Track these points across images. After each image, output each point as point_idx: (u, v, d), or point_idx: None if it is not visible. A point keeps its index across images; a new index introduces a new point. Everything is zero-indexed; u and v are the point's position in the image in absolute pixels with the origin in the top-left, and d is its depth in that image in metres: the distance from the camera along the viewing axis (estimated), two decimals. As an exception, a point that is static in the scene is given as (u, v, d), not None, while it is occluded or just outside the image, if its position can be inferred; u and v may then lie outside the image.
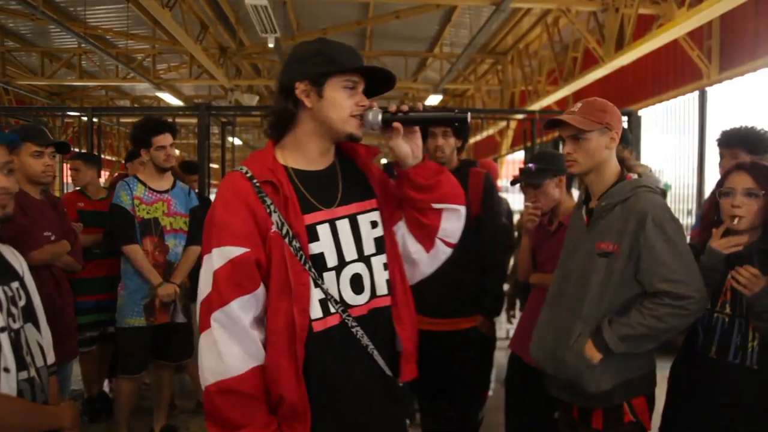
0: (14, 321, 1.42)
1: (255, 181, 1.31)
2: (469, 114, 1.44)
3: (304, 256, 1.29)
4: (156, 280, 2.96)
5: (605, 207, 1.77)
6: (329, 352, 1.30)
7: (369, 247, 1.40)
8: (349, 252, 1.36)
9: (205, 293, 1.27)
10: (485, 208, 2.67)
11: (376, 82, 1.44)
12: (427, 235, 1.47)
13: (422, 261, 1.50)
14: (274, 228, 1.29)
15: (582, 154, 1.79)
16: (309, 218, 1.32)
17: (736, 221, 1.76)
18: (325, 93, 1.34)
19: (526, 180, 2.45)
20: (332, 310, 1.31)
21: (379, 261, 1.41)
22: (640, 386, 1.77)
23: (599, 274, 1.74)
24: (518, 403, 2.58)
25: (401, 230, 1.49)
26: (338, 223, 1.36)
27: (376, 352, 1.35)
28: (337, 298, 1.32)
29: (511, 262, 4.73)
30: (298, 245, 1.28)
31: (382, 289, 1.40)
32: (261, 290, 1.29)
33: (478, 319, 2.70)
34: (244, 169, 1.33)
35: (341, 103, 1.34)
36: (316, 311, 1.30)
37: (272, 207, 1.29)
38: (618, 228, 1.71)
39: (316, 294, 1.30)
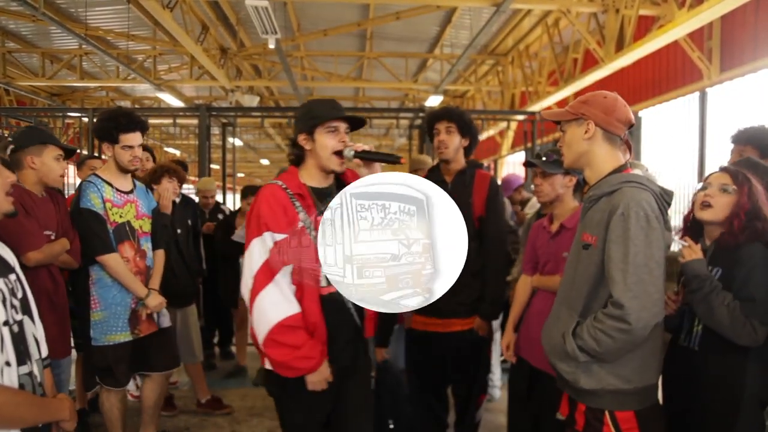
0: (16, 313, 1.44)
1: (289, 191, 1.92)
2: (401, 158, 2.07)
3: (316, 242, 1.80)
4: (142, 291, 2.75)
5: (591, 198, 1.74)
6: (330, 306, 1.91)
7: None
8: None
9: (261, 262, 1.84)
10: (488, 210, 2.69)
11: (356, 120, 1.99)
12: None
13: None
14: (300, 223, 1.87)
15: (564, 145, 1.80)
16: (320, 218, 1.81)
17: (704, 206, 1.92)
18: (315, 138, 1.94)
19: (540, 165, 2.44)
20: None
21: None
22: (630, 400, 1.68)
23: (582, 266, 1.72)
24: (521, 405, 2.58)
25: None
26: None
27: (354, 311, 1.96)
28: None
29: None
30: (314, 235, 1.83)
31: None
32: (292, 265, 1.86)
33: (475, 321, 2.70)
34: (280, 182, 1.94)
35: (325, 143, 1.93)
36: (324, 281, 1.88)
37: (300, 209, 1.90)
38: (598, 220, 1.67)
39: (323, 269, 1.79)
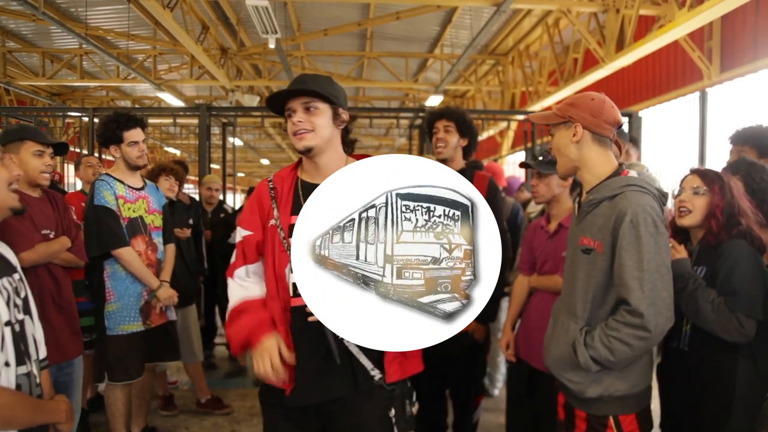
0: (18, 312, 1.44)
1: (271, 185, 1.76)
2: None
3: (287, 245, 1.65)
4: (155, 283, 2.87)
5: (591, 201, 1.70)
6: (298, 324, 1.66)
7: None
8: None
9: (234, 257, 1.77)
10: None
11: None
12: None
13: None
14: (272, 221, 1.70)
15: (554, 149, 1.78)
16: (295, 218, 1.62)
17: (683, 213, 1.99)
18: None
19: (535, 165, 2.46)
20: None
21: None
22: (632, 403, 1.69)
23: (582, 271, 1.69)
24: (520, 405, 2.58)
25: None
26: None
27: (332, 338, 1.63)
28: None
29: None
30: (283, 235, 1.67)
31: None
32: (259, 264, 1.74)
33: (471, 324, 2.66)
34: (270, 176, 1.80)
35: (288, 128, 1.70)
36: (292, 290, 1.66)
37: (275, 205, 1.71)
38: (600, 225, 1.65)
39: (292, 277, 1.63)
